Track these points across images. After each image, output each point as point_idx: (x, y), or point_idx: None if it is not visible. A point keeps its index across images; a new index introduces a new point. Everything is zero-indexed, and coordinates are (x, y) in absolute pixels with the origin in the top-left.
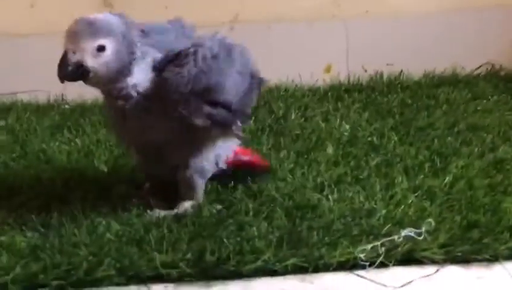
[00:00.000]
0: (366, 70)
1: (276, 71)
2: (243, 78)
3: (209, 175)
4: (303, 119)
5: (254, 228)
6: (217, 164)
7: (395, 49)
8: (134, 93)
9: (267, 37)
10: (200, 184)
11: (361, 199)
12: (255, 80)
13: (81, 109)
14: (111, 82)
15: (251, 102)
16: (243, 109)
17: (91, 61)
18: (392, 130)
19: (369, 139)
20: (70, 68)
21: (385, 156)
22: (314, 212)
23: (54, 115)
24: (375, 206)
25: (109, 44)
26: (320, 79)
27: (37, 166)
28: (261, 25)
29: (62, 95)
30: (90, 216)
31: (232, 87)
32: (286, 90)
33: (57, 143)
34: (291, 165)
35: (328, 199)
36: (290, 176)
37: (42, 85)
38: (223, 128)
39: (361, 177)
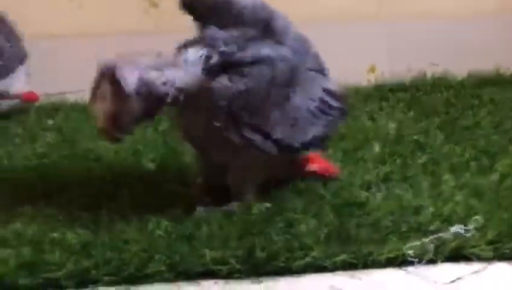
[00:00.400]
0: (410, 70)
1: None
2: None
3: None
4: (349, 118)
5: (303, 225)
6: None
7: (439, 49)
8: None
9: (309, 37)
10: (250, 188)
11: (409, 196)
12: (333, 110)
13: None
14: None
15: (311, 134)
16: (290, 143)
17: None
18: (437, 128)
19: (415, 137)
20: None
21: (431, 154)
22: (362, 209)
23: None
24: (422, 203)
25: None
26: (365, 79)
27: (85, 164)
28: (304, 24)
29: None
30: (139, 213)
31: (278, 118)
32: None
33: (105, 142)
34: (338, 164)
35: (375, 197)
36: (338, 173)
37: (89, 85)
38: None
39: (408, 175)
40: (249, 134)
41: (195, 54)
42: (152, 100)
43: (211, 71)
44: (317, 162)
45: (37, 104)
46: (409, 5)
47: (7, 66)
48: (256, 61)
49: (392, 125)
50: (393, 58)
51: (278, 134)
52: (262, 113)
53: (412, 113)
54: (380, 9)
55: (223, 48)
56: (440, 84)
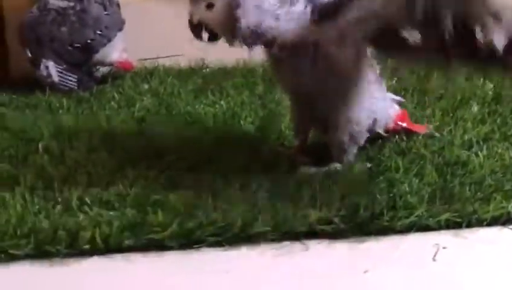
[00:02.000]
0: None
1: None
2: None
3: (362, 141)
4: (445, 79)
5: (405, 185)
6: (371, 129)
7: None
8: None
9: None
10: (351, 149)
11: (511, 154)
12: None
13: (223, 72)
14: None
15: None
16: None
17: (202, 18)
18: None
19: None
20: (194, 29)
21: None
22: (465, 168)
23: (196, 78)
24: None
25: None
26: None
27: (183, 127)
28: None
29: (202, 59)
30: (241, 175)
31: None
32: None
33: (202, 105)
34: (438, 123)
35: (477, 156)
36: (438, 134)
37: (183, 50)
38: None
39: (509, 134)
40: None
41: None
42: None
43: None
44: (406, 119)
45: (135, 65)
46: None
47: (105, 35)
48: None
49: (490, 85)
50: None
51: None
52: None
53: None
54: None
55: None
56: None
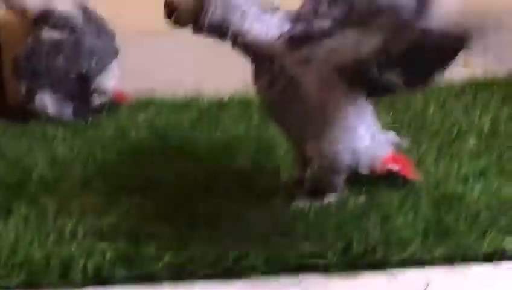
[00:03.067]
0: (503, 66)
1: None
2: None
3: (343, 171)
4: (442, 113)
5: (400, 219)
6: (352, 168)
7: None
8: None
9: None
10: (335, 179)
11: (507, 190)
12: None
13: (219, 104)
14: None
15: None
16: None
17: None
18: None
19: (511, 132)
20: (167, 10)
21: None
22: (460, 203)
23: (192, 110)
24: None
25: None
26: (458, 73)
27: (179, 159)
28: None
29: (199, 91)
30: (235, 207)
31: None
32: None
33: (197, 137)
34: (434, 158)
35: (473, 190)
36: (433, 168)
37: (179, 82)
38: None
39: (505, 168)
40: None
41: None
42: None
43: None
44: (400, 162)
45: (129, 97)
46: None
47: (100, 64)
48: None
49: (487, 120)
50: (488, 53)
51: None
52: None
53: (506, 108)
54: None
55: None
56: None
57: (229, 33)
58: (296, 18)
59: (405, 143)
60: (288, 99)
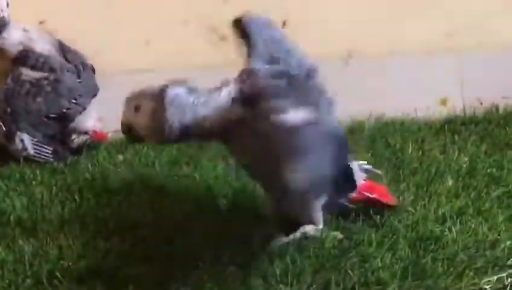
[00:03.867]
0: (481, 103)
1: (392, 104)
2: None
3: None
4: (420, 152)
5: (378, 259)
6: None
7: (511, 81)
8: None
9: (381, 71)
10: (312, 206)
11: (485, 230)
12: None
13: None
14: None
15: None
16: None
17: (130, 121)
18: (511, 161)
19: (488, 171)
20: (123, 131)
21: (506, 187)
22: (438, 243)
23: (171, 149)
24: (498, 237)
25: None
26: (436, 112)
27: (157, 200)
28: (376, 58)
29: None
30: (213, 249)
31: None
32: (402, 123)
33: (176, 177)
34: (412, 197)
35: (450, 231)
36: (412, 208)
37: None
38: None
39: (483, 208)
40: None
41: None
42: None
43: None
44: (375, 190)
45: (109, 135)
46: (479, 37)
47: (80, 104)
48: None
49: (465, 159)
50: (465, 91)
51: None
52: None
53: (484, 146)
54: (450, 42)
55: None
56: None
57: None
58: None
59: (379, 171)
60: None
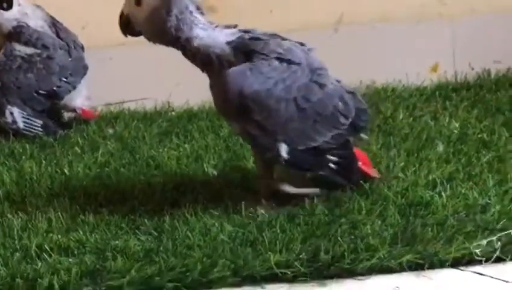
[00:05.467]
0: (473, 69)
1: (383, 72)
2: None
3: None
4: (411, 118)
5: (367, 226)
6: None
7: (502, 46)
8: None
9: (372, 38)
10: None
11: (475, 195)
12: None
13: (188, 115)
14: (160, 38)
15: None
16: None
17: (130, 12)
18: (502, 126)
19: (479, 136)
20: (121, 22)
21: (497, 152)
22: (428, 209)
23: (161, 122)
24: (489, 201)
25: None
26: (427, 78)
27: (147, 172)
28: (366, 25)
29: (168, 102)
30: (202, 219)
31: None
32: (393, 90)
33: (166, 149)
34: (402, 164)
35: (440, 196)
36: (402, 174)
37: (148, 93)
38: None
39: (473, 173)
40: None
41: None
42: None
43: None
44: (360, 159)
45: (96, 113)
46: (472, 2)
47: (71, 82)
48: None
49: (456, 125)
50: (457, 57)
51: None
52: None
53: (475, 111)
54: (442, 8)
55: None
56: (504, 81)
57: (181, 40)
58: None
59: (366, 137)
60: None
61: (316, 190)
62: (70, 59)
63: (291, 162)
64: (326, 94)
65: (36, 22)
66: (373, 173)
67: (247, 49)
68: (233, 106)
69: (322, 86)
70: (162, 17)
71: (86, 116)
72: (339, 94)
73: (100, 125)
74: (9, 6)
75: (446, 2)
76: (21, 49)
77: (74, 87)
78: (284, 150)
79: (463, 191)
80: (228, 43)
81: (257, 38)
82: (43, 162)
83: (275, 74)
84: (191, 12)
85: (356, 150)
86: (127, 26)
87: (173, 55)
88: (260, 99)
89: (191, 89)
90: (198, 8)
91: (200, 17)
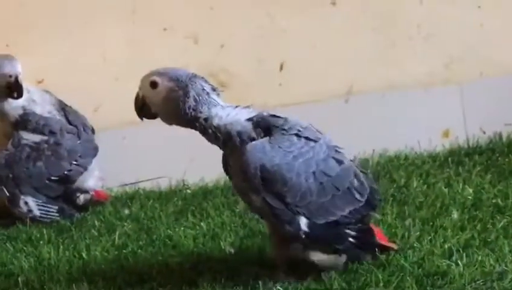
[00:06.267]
0: (484, 132)
1: (395, 140)
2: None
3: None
4: (425, 186)
5: None
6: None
7: None
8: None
9: (382, 107)
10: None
11: (491, 261)
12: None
13: (203, 192)
14: (178, 119)
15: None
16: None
17: (147, 94)
18: None
19: (494, 201)
20: (137, 105)
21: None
22: (445, 278)
23: (176, 200)
24: (506, 268)
25: (161, 81)
26: (439, 144)
27: (164, 252)
28: (375, 95)
29: (183, 180)
30: None
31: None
32: (406, 158)
33: (182, 228)
34: (418, 233)
35: (457, 264)
36: (418, 244)
37: (163, 171)
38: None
39: (489, 240)
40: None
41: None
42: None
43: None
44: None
45: (112, 194)
46: (479, 67)
47: (81, 164)
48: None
49: (470, 190)
50: (467, 122)
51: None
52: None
53: (489, 176)
54: (450, 74)
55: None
56: None
57: (200, 120)
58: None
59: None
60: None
61: (342, 259)
62: (79, 142)
63: (310, 236)
64: (344, 170)
65: (44, 107)
66: (391, 245)
67: (267, 125)
68: (255, 179)
69: (339, 162)
70: (180, 99)
71: (99, 198)
72: (354, 171)
73: (116, 206)
74: (20, 95)
75: (453, 68)
76: (29, 138)
77: (85, 169)
78: (303, 223)
79: (479, 258)
80: (248, 119)
81: (276, 116)
82: (61, 246)
83: (294, 148)
84: (207, 93)
85: (372, 225)
86: (142, 109)
87: (186, 132)
88: (281, 172)
89: (206, 165)
90: (214, 90)
91: (217, 97)
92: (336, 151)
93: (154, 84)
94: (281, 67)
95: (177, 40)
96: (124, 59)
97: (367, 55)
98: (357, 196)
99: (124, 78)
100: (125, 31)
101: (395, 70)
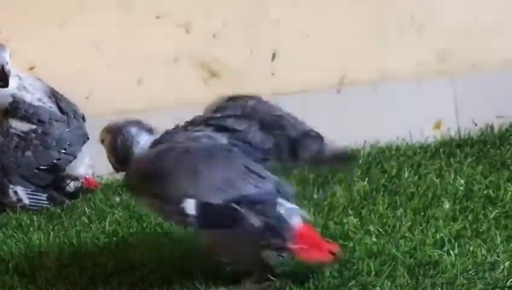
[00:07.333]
0: (476, 124)
1: (386, 130)
2: None
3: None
4: (417, 176)
5: (377, 288)
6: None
7: (505, 101)
8: None
9: (374, 97)
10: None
11: (483, 252)
12: None
13: None
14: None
15: None
16: None
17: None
18: (507, 181)
19: (485, 192)
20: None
21: (503, 207)
22: (437, 268)
23: None
24: (497, 258)
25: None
26: (431, 136)
27: (155, 240)
28: (367, 85)
29: None
30: (211, 288)
31: None
32: (397, 149)
33: None
34: (409, 223)
35: (449, 255)
36: (409, 234)
37: None
38: None
39: (480, 230)
40: None
41: None
42: None
43: None
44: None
45: (103, 181)
46: (472, 58)
47: (70, 153)
48: None
49: (461, 181)
50: (459, 113)
51: None
52: None
53: (480, 167)
54: (443, 65)
55: None
56: (508, 136)
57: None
58: None
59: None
60: None
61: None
62: (68, 129)
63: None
64: None
65: (34, 95)
66: (323, 256)
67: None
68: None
69: None
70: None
71: (89, 185)
72: None
73: (106, 193)
74: (5, 85)
75: (445, 60)
76: (17, 126)
77: (75, 157)
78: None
79: (471, 248)
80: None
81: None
82: (51, 233)
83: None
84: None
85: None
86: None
87: (174, 121)
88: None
89: None
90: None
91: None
92: None
93: (102, 141)
94: (273, 57)
95: (169, 29)
96: (116, 47)
97: (359, 45)
98: None
99: (116, 66)
100: (117, 18)
101: (388, 61)
